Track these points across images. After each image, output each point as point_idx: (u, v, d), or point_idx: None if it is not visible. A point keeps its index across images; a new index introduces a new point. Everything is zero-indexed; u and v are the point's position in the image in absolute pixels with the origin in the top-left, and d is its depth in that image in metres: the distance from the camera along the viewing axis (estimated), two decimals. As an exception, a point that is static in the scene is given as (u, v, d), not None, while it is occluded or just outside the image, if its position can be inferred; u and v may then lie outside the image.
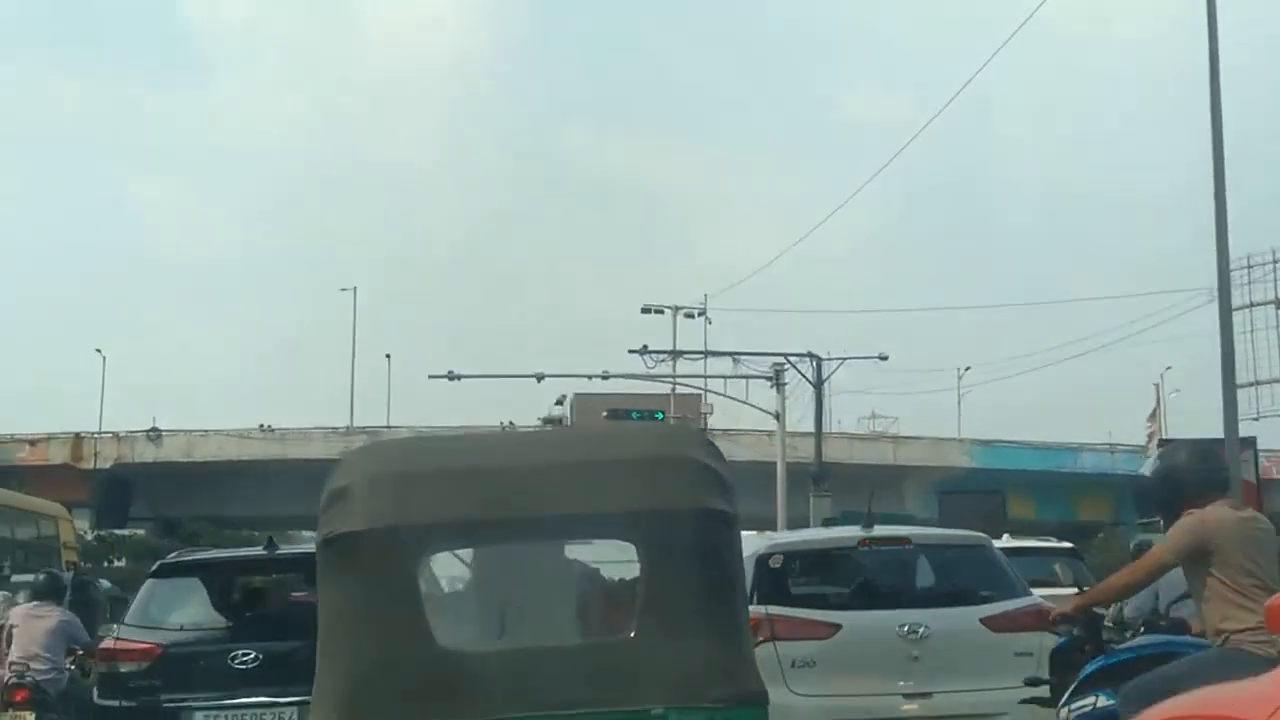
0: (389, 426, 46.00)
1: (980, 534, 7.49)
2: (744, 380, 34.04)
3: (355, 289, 52.22)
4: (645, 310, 40.22)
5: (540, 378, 33.13)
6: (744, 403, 34.66)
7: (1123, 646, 5.19)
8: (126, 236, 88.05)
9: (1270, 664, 3.93)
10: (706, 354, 36.32)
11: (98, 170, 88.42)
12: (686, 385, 39.17)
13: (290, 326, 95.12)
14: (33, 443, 44.22)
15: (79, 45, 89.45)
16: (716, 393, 36.01)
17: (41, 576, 9.93)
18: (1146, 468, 4.68)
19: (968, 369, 53.03)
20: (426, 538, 4.15)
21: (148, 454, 44.37)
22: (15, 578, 14.66)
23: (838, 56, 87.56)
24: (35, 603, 9.24)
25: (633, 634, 4.08)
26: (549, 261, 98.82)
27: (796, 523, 35.13)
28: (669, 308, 40.62)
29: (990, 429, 52.97)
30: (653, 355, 34.55)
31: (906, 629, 6.62)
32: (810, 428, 37.00)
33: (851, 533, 7.22)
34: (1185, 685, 3.49)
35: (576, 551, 4.78)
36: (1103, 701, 4.88)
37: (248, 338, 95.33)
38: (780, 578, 7.01)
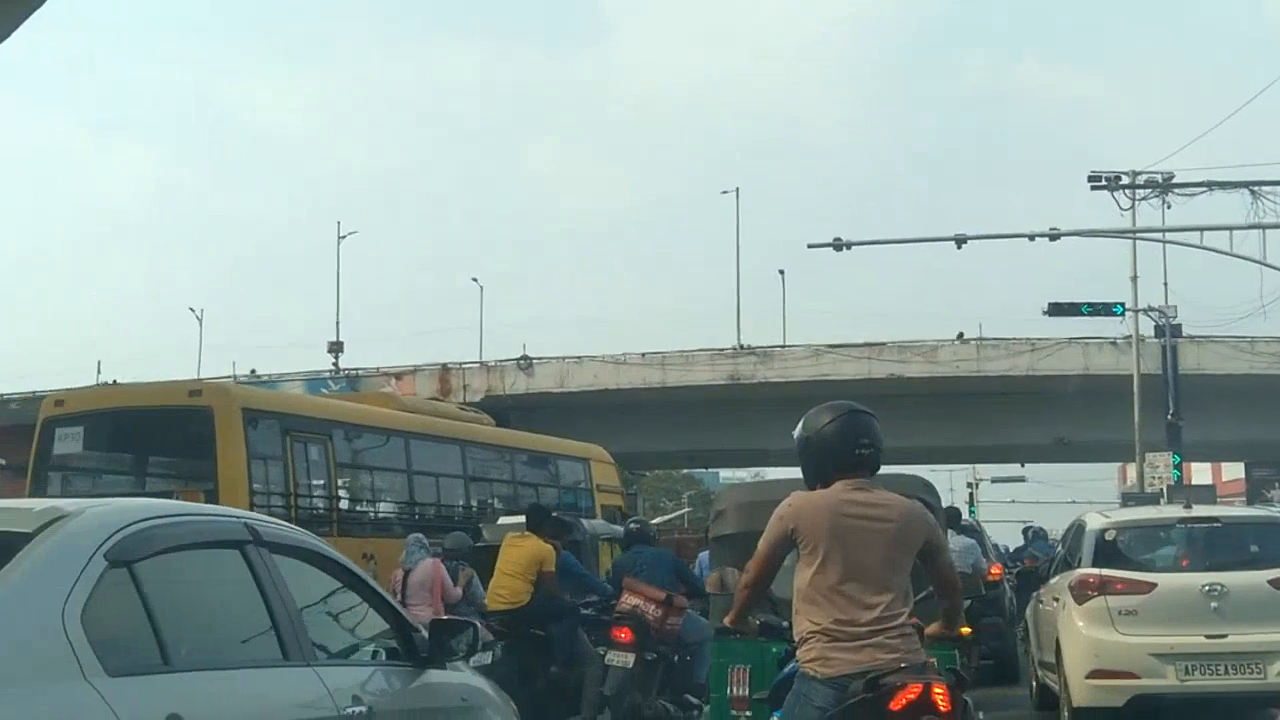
0: (783, 346, 50.34)
1: (1276, 514, 12.27)
2: (1260, 231, 30.55)
3: (738, 190, 56.21)
4: (1094, 180, 38.12)
5: (961, 240, 32.09)
6: (1262, 263, 31.32)
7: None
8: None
9: (831, 688, 5.19)
10: (1210, 186, 32.52)
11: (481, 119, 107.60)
12: (1152, 239, 36.49)
13: (664, 239, 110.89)
14: (399, 375, 51.09)
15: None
16: (1212, 249, 31.04)
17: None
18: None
19: None
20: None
21: (519, 384, 50.57)
22: (502, 520, 17.41)
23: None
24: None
25: None
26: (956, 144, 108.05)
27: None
28: (1125, 174, 38.20)
29: None
30: (1127, 191, 32.57)
31: (1207, 587, 11.45)
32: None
33: (1173, 512, 12.21)
34: None
35: None
36: None
37: (621, 260, 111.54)
38: (1113, 548, 12.11)
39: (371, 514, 18.47)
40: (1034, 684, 14.30)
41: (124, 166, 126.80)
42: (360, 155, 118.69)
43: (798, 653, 5.45)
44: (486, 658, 11.93)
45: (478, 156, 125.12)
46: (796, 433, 5.74)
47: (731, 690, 9.21)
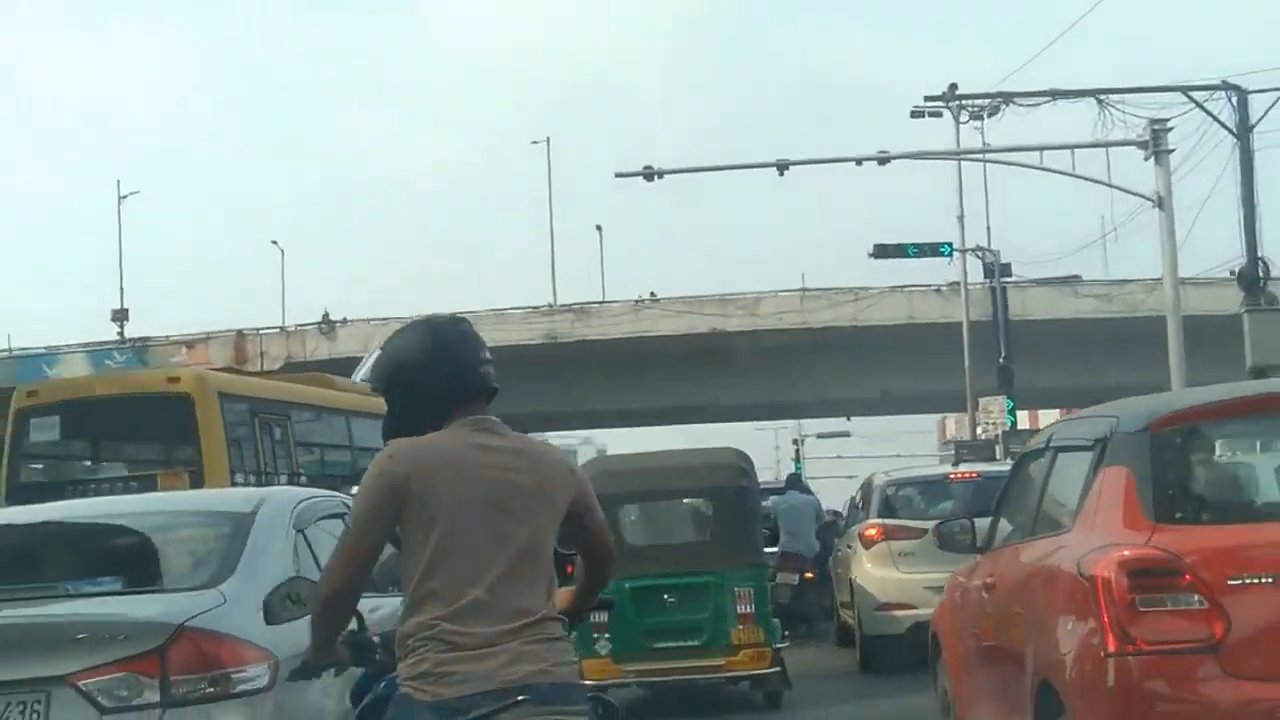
0: (602, 302, 53.64)
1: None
2: (1103, 151, 30.74)
3: (549, 140, 60.64)
4: (917, 112, 37.99)
5: (784, 167, 32.04)
6: (1107, 184, 31.50)
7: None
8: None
9: (440, 715, 4.16)
10: (1053, 95, 30.64)
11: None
12: (987, 159, 36.07)
13: (478, 197, 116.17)
14: (190, 344, 52.43)
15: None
16: (1053, 170, 30.81)
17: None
18: (361, 369, 5.93)
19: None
20: (618, 500, 12.77)
21: (321, 349, 51.37)
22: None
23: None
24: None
25: (707, 539, 13.19)
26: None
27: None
28: (949, 103, 35.99)
29: None
30: (965, 103, 32.40)
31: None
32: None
33: (942, 469, 16.36)
34: None
35: (685, 503, 13.97)
36: None
37: (432, 219, 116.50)
38: (893, 500, 16.17)
39: (326, 486, 20.38)
40: (835, 621, 18.37)
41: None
42: (159, 119, 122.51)
43: (400, 666, 4.43)
44: None
45: (283, 120, 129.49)
46: (374, 369, 4.79)
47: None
